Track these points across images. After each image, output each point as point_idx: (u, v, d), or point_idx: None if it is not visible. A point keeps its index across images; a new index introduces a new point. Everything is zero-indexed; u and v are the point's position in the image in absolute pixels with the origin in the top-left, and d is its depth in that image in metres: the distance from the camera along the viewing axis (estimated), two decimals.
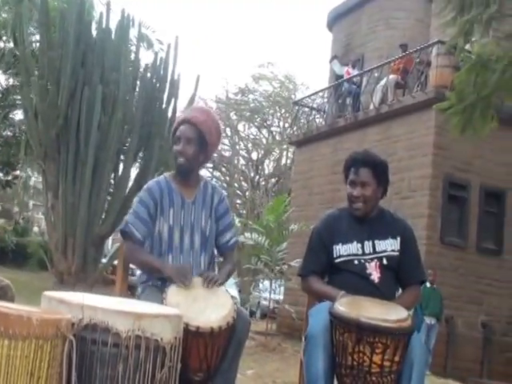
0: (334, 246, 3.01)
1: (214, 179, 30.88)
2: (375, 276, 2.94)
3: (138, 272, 3.11)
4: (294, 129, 17.26)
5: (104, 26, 10.32)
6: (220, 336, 2.59)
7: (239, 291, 17.37)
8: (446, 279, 11.42)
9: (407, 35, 14.36)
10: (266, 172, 30.12)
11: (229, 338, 2.68)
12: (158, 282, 2.92)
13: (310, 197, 14.65)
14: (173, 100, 11.23)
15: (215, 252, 3.15)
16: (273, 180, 29.70)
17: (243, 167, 30.06)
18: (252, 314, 17.07)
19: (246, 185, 29.59)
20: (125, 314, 2.09)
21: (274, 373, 6.40)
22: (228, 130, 29.79)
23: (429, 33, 13.43)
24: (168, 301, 2.61)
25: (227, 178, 30.39)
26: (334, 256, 3.00)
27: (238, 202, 29.27)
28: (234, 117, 29.75)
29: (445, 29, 8.13)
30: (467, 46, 8.64)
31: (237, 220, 26.86)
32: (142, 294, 2.97)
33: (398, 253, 3.01)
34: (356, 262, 2.97)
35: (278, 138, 28.36)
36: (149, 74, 11.02)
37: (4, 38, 14.56)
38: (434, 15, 12.78)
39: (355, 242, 3.00)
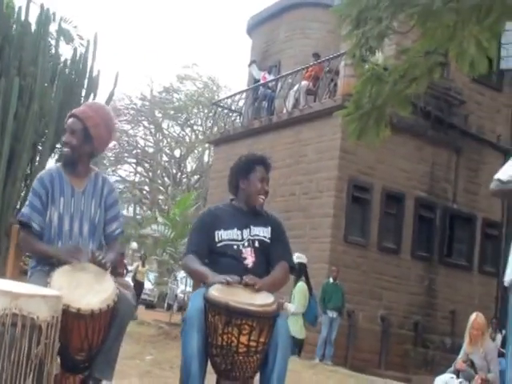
0: (216, 232, 3.26)
1: (138, 175, 30.91)
2: (249, 260, 3.20)
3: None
4: (215, 129, 17.63)
5: (23, 19, 10.33)
6: (100, 318, 2.72)
7: (157, 284, 17.49)
8: (349, 275, 11.98)
9: (320, 45, 14.89)
10: (189, 169, 30.45)
11: (110, 320, 2.81)
12: (45, 268, 3.02)
13: (225, 194, 14.96)
14: (92, 95, 11.34)
15: (103, 240, 3.27)
16: (195, 177, 30.04)
17: (166, 164, 30.25)
18: (170, 306, 17.29)
19: (168, 181, 29.78)
20: (2, 293, 2.18)
21: (173, 359, 6.39)
22: (152, 127, 29.92)
23: (340, 44, 14.11)
24: (52, 284, 2.72)
25: (150, 174, 30.53)
26: (216, 240, 3.25)
27: (161, 197, 29.40)
28: (159, 115, 29.86)
29: (345, 41, 8.66)
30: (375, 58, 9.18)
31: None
32: (31, 278, 3.07)
33: (269, 240, 3.31)
34: (235, 246, 3.22)
35: (200, 136, 28.70)
36: (67, 69, 11.08)
37: None
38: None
39: (235, 229, 3.27)
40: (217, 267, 3.13)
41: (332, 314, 10.93)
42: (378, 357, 12.52)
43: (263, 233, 3.31)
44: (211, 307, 2.84)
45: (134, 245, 24.71)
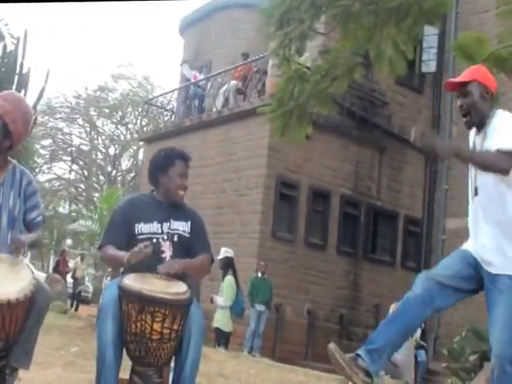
0: (136, 225, 3.29)
1: (73, 172, 30.49)
2: (167, 254, 3.24)
3: None
4: (150, 127, 17.69)
5: None
6: (17, 307, 2.75)
7: (92, 279, 17.37)
8: (277, 270, 12.23)
9: (251, 45, 14.98)
10: (124, 167, 30.30)
11: (27, 309, 2.84)
12: None
13: None
14: (22, 92, 11.25)
15: (23, 230, 3.27)
16: (130, 175, 29.92)
17: (101, 162, 29.99)
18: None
19: (103, 179, 29.54)
20: None
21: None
22: (87, 125, 29.60)
23: (269, 45, 14.36)
24: None
25: (85, 172, 30.21)
26: (136, 233, 3.28)
27: (96, 195, 29.10)
28: (94, 113, 29.56)
29: (267, 42, 8.87)
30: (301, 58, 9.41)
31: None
32: None
33: (188, 234, 3.34)
34: (154, 240, 3.24)
35: (135, 135, 28.62)
36: None
37: None
38: None
39: (155, 222, 3.30)
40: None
41: (260, 307, 11.13)
42: (305, 349, 12.78)
43: (183, 227, 3.34)
44: (125, 295, 2.91)
45: (69, 241, 24.44)
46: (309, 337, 12.87)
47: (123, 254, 3.11)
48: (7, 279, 2.80)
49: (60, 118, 29.02)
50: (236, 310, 10.08)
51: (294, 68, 8.08)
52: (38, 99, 12.25)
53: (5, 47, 11.32)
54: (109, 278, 15.26)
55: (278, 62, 8.94)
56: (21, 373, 3.13)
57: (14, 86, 11.11)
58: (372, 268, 14.16)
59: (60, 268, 16.41)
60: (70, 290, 16.78)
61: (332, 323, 13.35)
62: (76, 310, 15.63)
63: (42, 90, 12.18)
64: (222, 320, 9.90)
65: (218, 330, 9.89)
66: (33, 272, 2.94)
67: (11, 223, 3.19)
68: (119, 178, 29.85)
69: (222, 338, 9.97)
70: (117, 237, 3.30)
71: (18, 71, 11.18)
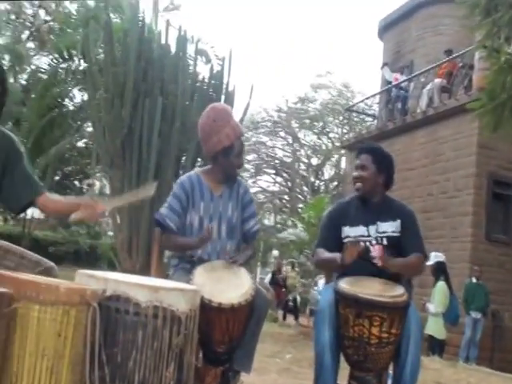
0: (343, 228, 3.27)
1: (277, 184, 31.59)
2: (378, 258, 3.07)
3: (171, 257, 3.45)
4: (351, 135, 17.74)
5: (163, 42, 10.95)
6: (240, 311, 2.82)
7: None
8: (493, 275, 11.58)
9: (454, 41, 14.53)
10: (326, 176, 30.62)
11: (248, 313, 2.90)
12: (187, 265, 3.19)
13: None
14: None
15: (240, 239, 3.37)
16: (333, 184, 30.15)
17: (304, 172, 30.61)
18: (312, 312, 17.44)
19: (306, 189, 30.10)
20: (144, 287, 2.33)
21: (312, 358, 6.54)
22: (289, 137, 30.47)
23: (474, 37, 13.66)
24: (195, 281, 2.85)
25: (289, 184, 30.99)
26: (343, 236, 3.25)
27: (300, 205, 29.78)
28: (295, 125, 30.30)
29: (473, 32, 8.42)
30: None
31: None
32: (173, 275, 3.24)
33: (398, 234, 3.22)
34: (362, 244, 3.14)
35: (336, 143, 28.79)
36: (205, 86, 11.68)
37: (75, 58, 15.76)
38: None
39: (361, 226, 3.25)
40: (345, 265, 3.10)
41: (475, 314, 10.61)
42: None
43: (391, 227, 3.24)
44: (342, 299, 2.89)
45: (276, 252, 25.23)
46: None
47: (336, 256, 3.09)
48: (230, 285, 2.91)
49: (263, 132, 30.05)
50: (450, 318, 9.62)
51: (504, 58, 7.61)
52: (244, 115, 12.86)
53: (211, 68, 12.02)
54: (315, 288, 15.45)
55: (486, 54, 8.52)
56: (242, 376, 3.20)
57: None
58: None
59: (276, 279, 16.90)
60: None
61: None
62: (284, 319, 15.94)
63: (247, 106, 12.76)
64: (434, 327, 9.49)
65: (431, 337, 9.50)
66: (252, 277, 3.03)
67: (230, 233, 3.29)
68: (322, 188, 30.22)
69: (436, 346, 9.56)
70: (327, 240, 3.30)
71: (224, 90, 11.76)
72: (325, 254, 3.24)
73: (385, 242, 3.20)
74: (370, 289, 2.89)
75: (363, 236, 3.23)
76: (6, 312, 1.94)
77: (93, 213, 2.87)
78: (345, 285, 2.93)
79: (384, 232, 3.24)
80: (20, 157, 3.06)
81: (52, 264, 2.97)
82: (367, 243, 3.18)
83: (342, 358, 3.05)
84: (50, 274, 2.85)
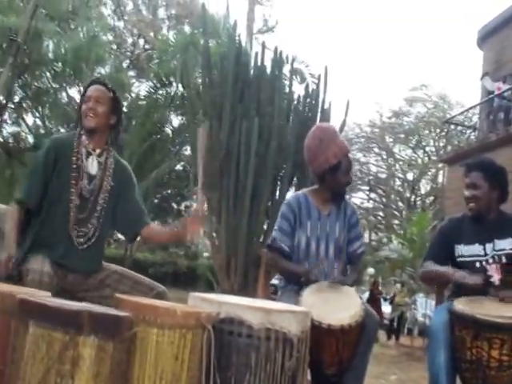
0: (456, 246, 3.15)
1: (372, 201, 31.13)
2: (496, 278, 2.99)
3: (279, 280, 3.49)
4: (449, 148, 17.20)
5: (259, 64, 11.03)
6: (350, 333, 2.76)
7: (396, 305, 17.19)
8: None
9: None
10: (423, 191, 29.85)
11: (358, 335, 2.83)
12: (294, 287, 3.16)
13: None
14: None
15: (345, 260, 3.32)
16: (430, 199, 29.35)
17: (399, 188, 30.02)
18: (410, 331, 16.95)
19: (402, 205, 29.47)
20: (256, 309, 2.31)
21: (418, 379, 6.32)
22: (383, 152, 30.02)
23: None
24: (303, 302, 2.82)
25: (383, 200, 30.48)
26: (456, 255, 3.14)
27: (396, 222, 29.16)
28: (389, 139, 29.85)
29: None
30: None
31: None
32: (281, 296, 3.23)
33: None
34: (478, 264, 3.07)
35: (433, 157, 28.01)
36: (301, 105, 11.69)
37: (174, 84, 16.28)
38: None
39: (477, 244, 3.11)
40: (459, 284, 3.00)
41: None
42: None
43: (510, 244, 3.09)
44: (458, 320, 2.77)
45: (371, 270, 24.79)
46: None
47: (450, 270, 3.00)
48: (339, 306, 2.88)
49: (357, 148, 29.74)
50: None
51: None
52: (340, 131, 12.72)
53: (307, 87, 12.02)
54: (413, 307, 14.94)
55: None
56: None
57: (317, 123, 11.67)
58: None
59: (374, 298, 16.53)
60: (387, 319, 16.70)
61: None
62: (389, 338, 15.53)
63: (344, 123, 12.62)
64: None
65: None
66: (361, 298, 2.99)
67: (338, 253, 3.27)
68: (418, 203, 29.46)
69: None
70: (439, 257, 3.18)
71: (320, 108, 11.72)
72: (435, 267, 3.12)
73: (503, 260, 3.05)
74: (489, 309, 2.73)
75: (479, 256, 3.09)
76: (127, 336, 1.95)
77: (193, 231, 2.93)
78: (460, 305, 2.80)
79: (502, 250, 3.08)
80: (133, 186, 3.18)
81: (164, 288, 3.03)
82: (483, 263, 3.06)
83: (458, 381, 2.91)
84: (163, 298, 2.90)
